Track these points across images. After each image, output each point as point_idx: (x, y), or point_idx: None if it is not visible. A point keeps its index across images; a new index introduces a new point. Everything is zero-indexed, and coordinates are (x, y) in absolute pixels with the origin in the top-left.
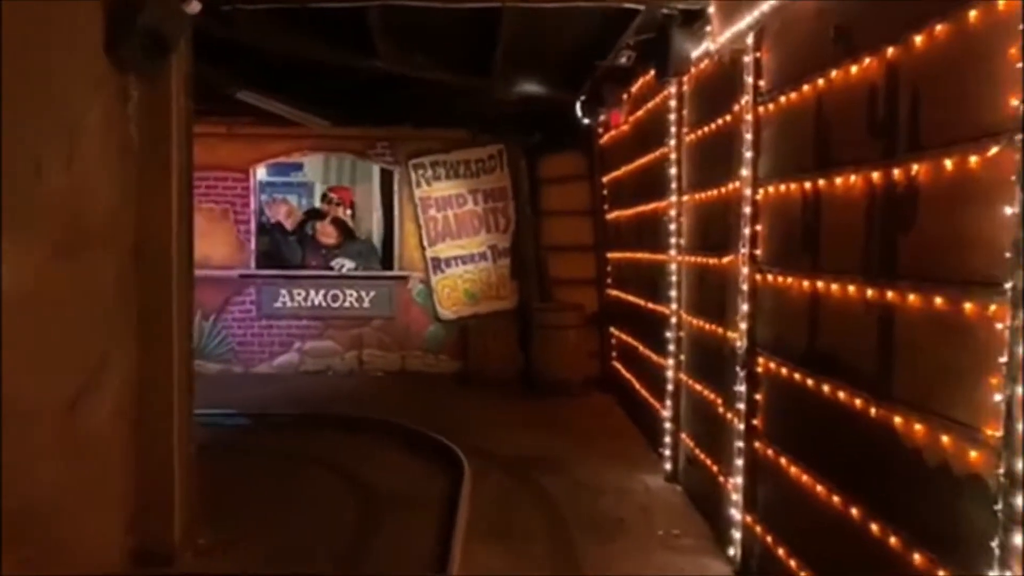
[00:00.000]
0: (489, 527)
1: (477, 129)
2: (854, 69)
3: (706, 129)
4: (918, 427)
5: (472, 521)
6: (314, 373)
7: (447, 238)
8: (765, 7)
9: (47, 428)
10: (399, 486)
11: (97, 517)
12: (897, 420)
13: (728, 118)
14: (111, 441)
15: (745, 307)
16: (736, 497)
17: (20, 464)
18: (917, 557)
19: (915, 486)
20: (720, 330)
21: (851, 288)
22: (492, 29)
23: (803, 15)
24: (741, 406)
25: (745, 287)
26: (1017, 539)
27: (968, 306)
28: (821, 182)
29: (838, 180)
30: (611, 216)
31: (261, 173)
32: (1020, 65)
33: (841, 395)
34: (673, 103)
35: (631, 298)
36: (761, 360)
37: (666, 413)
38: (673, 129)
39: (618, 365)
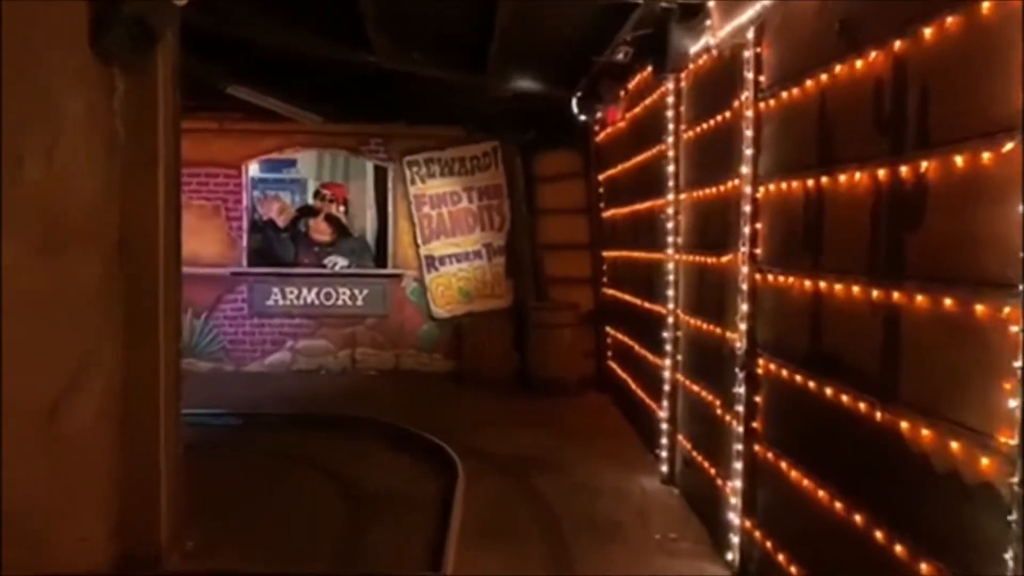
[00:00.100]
0: (483, 529)
1: (472, 126)
2: (859, 63)
3: (705, 126)
4: (926, 432)
5: (466, 523)
6: (307, 372)
7: (441, 236)
8: (767, 1)
9: (28, 430)
10: (392, 487)
11: (81, 520)
12: (904, 425)
13: (728, 114)
14: (95, 443)
15: (745, 307)
16: (735, 501)
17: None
18: (924, 567)
19: (922, 493)
20: (719, 330)
21: (855, 288)
22: (487, 22)
23: (806, 9)
24: (740, 408)
25: (745, 287)
26: None
27: (980, 308)
28: (824, 179)
29: (842, 177)
30: (607, 214)
31: (253, 169)
32: None
33: (844, 398)
34: (671, 99)
35: (627, 297)
36: (761, 361)
37: (663, 414)
38: (671, 126)
39: (614, 365)
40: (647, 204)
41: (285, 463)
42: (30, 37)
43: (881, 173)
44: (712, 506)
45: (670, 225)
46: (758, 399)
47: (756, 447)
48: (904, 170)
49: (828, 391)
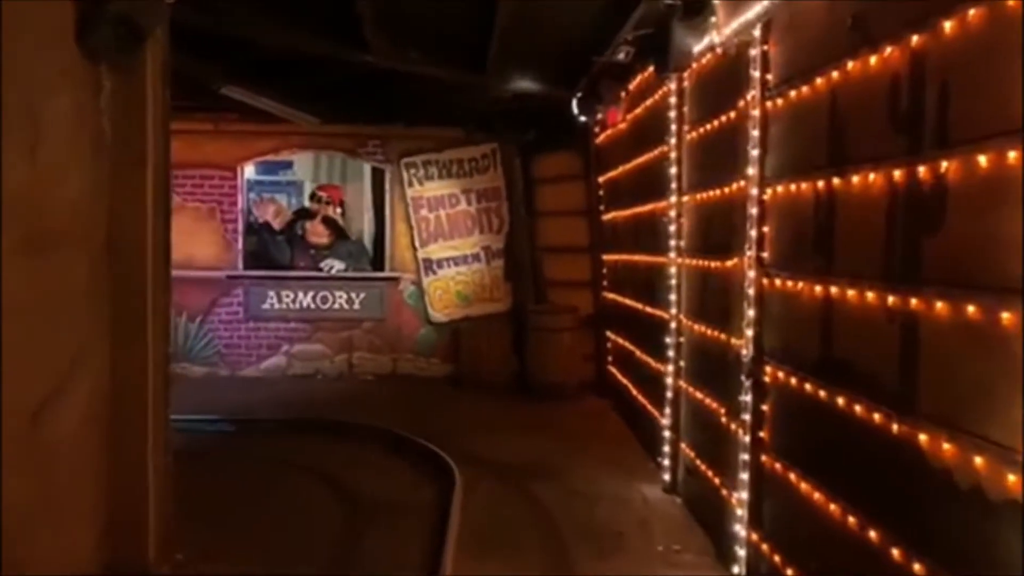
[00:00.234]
0: (481, 538)
1: (470, 127)
2: (873, 59)
3: (709, 126)
4: (947, 446)
5: (463, 531)
6: (302, 377)
7: (439, 239)
8: None
9: (11, 435)
10: (388, 494)
11: (66, 531)
12: (922, 437)
13: (732, 114)
14: (81, 450)
15: (751, 312)
16: (741, 512)
17: None
18: None
19: (943, 510)
20: (723, 336)
21: (870, 294)
22: (487, 21)
23: (815, 4)
24: (747, 417)
25: (751, 291)
26: None
27: (1005, 316)
28: (836, 180)
29: (855, 178)
30: (607, 217)
31: (249, 171)
32: None
33: (858, 408)
34: (673, 100)
35: (628, 301)
36: (768, 369)
37: (665, 421)
38: (673, 127)
39: (614, 369)
40: (648, 206)
41: (280, 469)
42: (13, 34)
43: (897, 173)
44: (716, 517)
45: (672, 228)
46: (765, 408)
47: (763, 457)
48: (922, 170)
49: (840, 401)
